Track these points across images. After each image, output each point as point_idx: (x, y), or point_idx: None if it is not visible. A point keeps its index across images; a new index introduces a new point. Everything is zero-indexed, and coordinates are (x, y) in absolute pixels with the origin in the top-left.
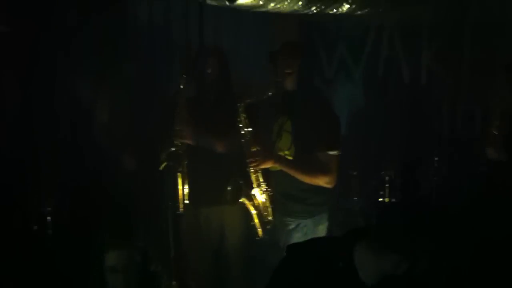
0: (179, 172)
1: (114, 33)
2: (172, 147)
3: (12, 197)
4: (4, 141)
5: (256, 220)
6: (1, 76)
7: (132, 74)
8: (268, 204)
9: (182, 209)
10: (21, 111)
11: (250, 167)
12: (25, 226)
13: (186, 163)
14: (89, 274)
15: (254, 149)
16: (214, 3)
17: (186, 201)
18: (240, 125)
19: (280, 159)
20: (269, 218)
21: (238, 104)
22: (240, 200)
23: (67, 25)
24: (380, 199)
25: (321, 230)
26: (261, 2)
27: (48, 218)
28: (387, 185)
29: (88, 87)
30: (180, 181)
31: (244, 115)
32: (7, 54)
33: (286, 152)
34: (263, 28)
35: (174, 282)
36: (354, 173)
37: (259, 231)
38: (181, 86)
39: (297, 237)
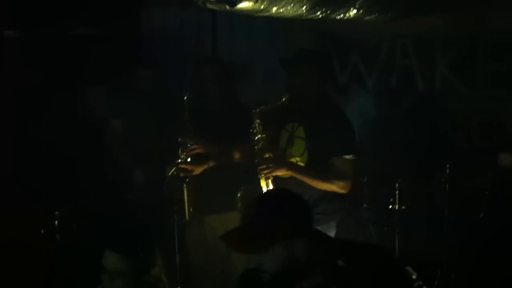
0: (186, 181)
1: (127, 44)
2: (180, 158)
3: (23, 201)
4: (20, 146)
5: None
6: (15, 82)
7: (148, 84)
8: None
9: (188, 218)
10: (36, 118)
11: (262, 174)
12: (33, 230)
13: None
14: (94, 281)
15: (267, 156)
16: (215, 7)
17: (192, 209)
18: (254, 131)
19: (293, 166)
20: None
21: (253, 111)
22: None
23: (79, 35)
24: (390, 207)
25: None
26: (262, 7)
27: (56, 222)
28: (397, 192)
29: (102, 97)
30: (186, 190)
31: (258, 121)
32: (16, 60)
33: (298, 159)
34: (275, 36)
35: None
36: (364, 180)
37: None
38: (185, 97)
39: None
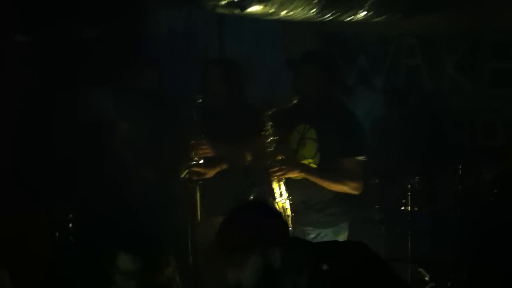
0: (199, 184)
1: (133, 46)
2: (192, 161)
3: (33, 204)
4: (26, 148)
5: None
6: (23, 84)
7: (153, 85)
8: (288, 213)
9: (200, 220)
10: (43, 120)
11: (275, 176)
12: (46, 233)
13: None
14: (106, 280)
15: (279, 158)
16: (225, 11)
17: (203, 211)
18: (266, 133)
19: (306, 168)
20: (289, 227)
21: (265, 113)
22: None
23: (84, 37)
24: (402, 208)
25: (342, 240)
26: (272, 10)
27: (70, 225)
28: (409, 193)
29: (109, 98)
30: (198, 193)
31: (270, 123)
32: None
33: (310, 160)
34: (281, 38)
35: None
36: (376, 181)
37: None
38: (194, 99)
39: None
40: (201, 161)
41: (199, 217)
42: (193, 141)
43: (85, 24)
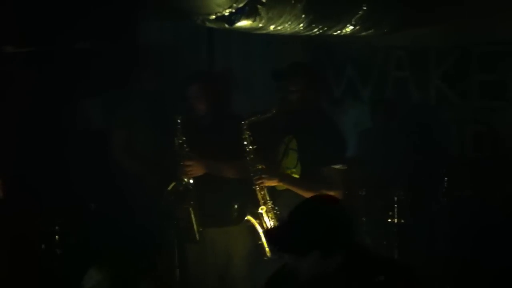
0: (190, 204)
1: (127, 58)
2: (179, 184)
3: (21, 215)
4: (16, 157)
5: (264, 239)
6: (19, 95)
7: (145, 96)
8: (275, 223)
9: (198, 238)
10: (35, 130)
11: (256, 184)
12: (33, 245)
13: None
14: None
15: (259, 167)
16: (214, 26)
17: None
18: (245, 143)
19: (285, 177)
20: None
21: (242, 122)
22: (246, 218)
23: (79, 49)
24: (389, 220)
25: None
26: (260, 25)
27: (56, 236)
28: (395, 205)
29: (101, 109)
30: (192, 211)
31: (248, 133)
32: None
33: (293, 170)
34: (270, 49)
35: None
36: (363, 193)
37: (267, 250)
38: (178, 119)
39: None
40: (191, 181)
41: (197, 235)
42: (179, 162)
43: (81, 38)
